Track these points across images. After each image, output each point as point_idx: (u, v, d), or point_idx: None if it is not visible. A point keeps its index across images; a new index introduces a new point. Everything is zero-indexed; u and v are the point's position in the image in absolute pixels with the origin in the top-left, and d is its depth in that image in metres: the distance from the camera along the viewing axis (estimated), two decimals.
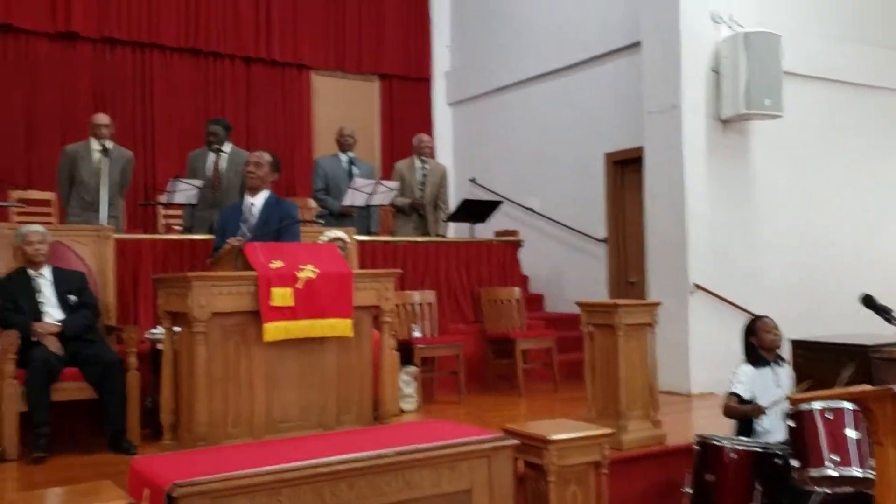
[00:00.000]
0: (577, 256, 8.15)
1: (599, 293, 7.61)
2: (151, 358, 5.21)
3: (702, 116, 6.58)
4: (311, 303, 3.91)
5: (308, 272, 3.91)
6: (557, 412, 5.77)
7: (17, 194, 6.81)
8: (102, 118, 6.17)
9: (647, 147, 6.78)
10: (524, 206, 8.60)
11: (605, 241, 7.85)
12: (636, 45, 7.27)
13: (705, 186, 6.54)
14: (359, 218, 6.94)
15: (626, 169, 7.73)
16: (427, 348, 6.16)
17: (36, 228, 5.02)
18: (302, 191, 8.55)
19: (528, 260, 7.54)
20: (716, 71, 6.60)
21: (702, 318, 6.44)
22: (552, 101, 8.47)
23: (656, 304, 4.86)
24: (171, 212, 7.34)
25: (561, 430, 3.76)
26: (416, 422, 5.14)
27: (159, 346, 5.09)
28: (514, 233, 7.47)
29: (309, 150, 8.95)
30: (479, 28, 9.54)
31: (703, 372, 6.32)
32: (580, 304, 4.97)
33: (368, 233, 7.01)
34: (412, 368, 5.84)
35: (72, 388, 4.65)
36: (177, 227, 7.09)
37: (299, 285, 3.88)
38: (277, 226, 4.66)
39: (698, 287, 6.43)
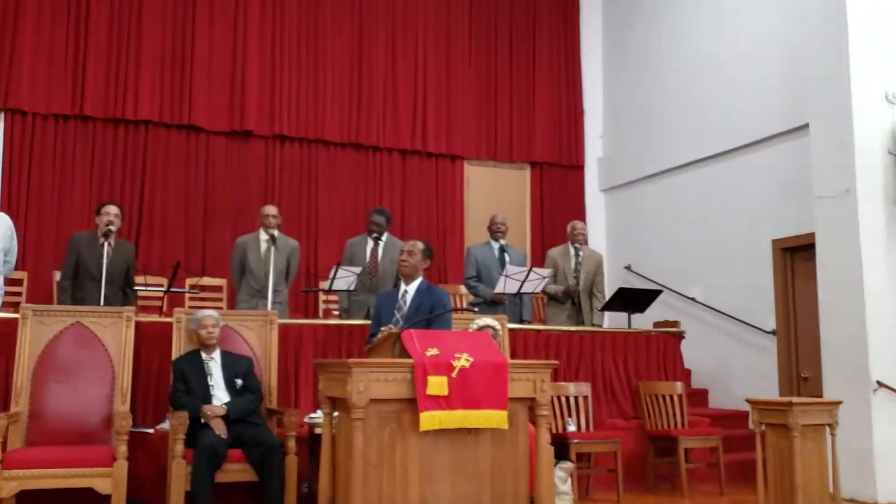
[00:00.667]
0: (744, 349, 7.71)
1: (769, 389, 7.12)
2: (310, 442, 5.31)
3: (879, 202, 6.14)
4: (465, 392, 3.85)
5: (463, 361, 3.87)
6: None
7: (191, 281, 7.28)
8: (270, 209, 6.53)
9: (819, 234, 6.38)
10: (685, 296, 8.28)
11: (773, 332, 7.38)
12: (803, 127, 6.96)
13: (885, 276, 6.04)
14: (510, 305, 6.90)
15: (795, 256, 7.30)
16: (583, 443, 5.92)
17: (210, 313, 5.30)
18: (454, 278, 8.64)
19: (690, 352, 7.19)
20: (893, 153, 6.18)
21: (887, 419, 5.86)
22: (713, 185, 8.22)
23: (837, 403, 4.47)
24: (330, 297, 7.59)
25: None
26: None
27: (318, 431, 5.19)
28: (675, 323, 7.17)
29: (461, 238, 9.09)
30: (633, 114, 9.50)
31: (891, 479, 5.71)
32: (750, 402, 4.65)
33: (520, 321, 6.94)
34: (568, 464, 5.62)
35: (234, 471, 4.78)
36: (335, 312, 7.32)
37: (454, 374, 3.84)
38: (429, 314, 4.67)
39: (881, 385, 5.87)
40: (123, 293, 5.85)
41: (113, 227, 5.75)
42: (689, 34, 8.79)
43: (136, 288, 5.93)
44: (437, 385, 3.79)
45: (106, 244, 5.65)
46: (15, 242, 5.95)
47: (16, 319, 5.15)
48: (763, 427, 4.56)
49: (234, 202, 8.40)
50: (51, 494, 4.69)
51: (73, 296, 5.72)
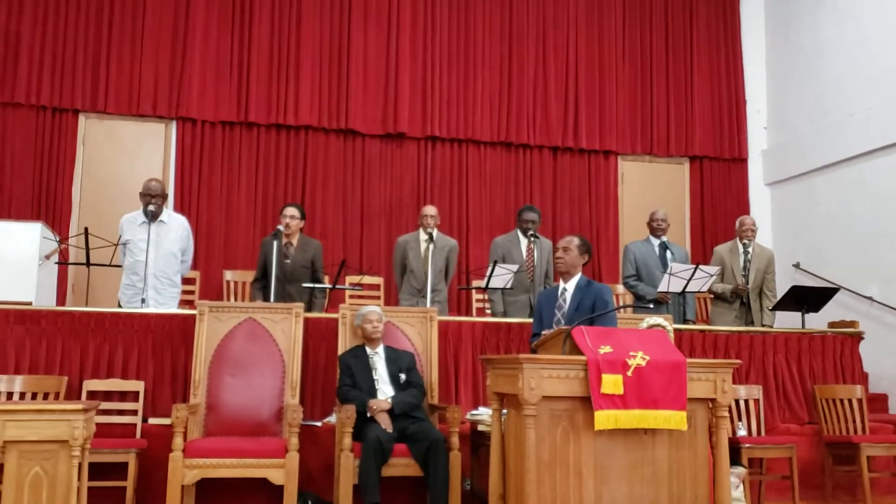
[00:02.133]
0: None
1: None
2: (471, 439, 5.29)
3: None
4: (642, 392, 3.70)
5: (638, 359, 3.72)
6: None
7: (351, 279, 7.44)
8: (430, 210, 6.58)
9: None
10: (862, 295, 7.70)
11: None
12: None
13: None
14: (674, 305, 6.63)
15: None
16: (755, 448, 5.60)
17: (374, 309, 5.39)
18: (609, 277, 8.43)
19: (868, 355, 6.66)
20: None
21: None
22: (891, 176, 7.60)
23: None
24: (482, 296, 7.57)
25: None
26: None
27: (480, 428, 5.16)
28: (852, 324, 6.66)
29: (615, 236, 8.85)
30: (799, 103, 8.94)
31: None
32: None
33: (684, 321, 6.65)
34: (740, 469, 5.33)
35: (400, 465, 4.82)
36: (488, 311, 7.28)
37: (629, 373, 3.70)
38: (591, 313, 4.51)
39: None
40: (311, 291, 6.06)
41: (282, 228, 5.97)
42: (856, 15, 8.19)
43: (305, 285, 6.11)
44: (613, 383, 3.66)
45: (285, 244, 5.88)
46: (191, 243, 6.30)
47: (193, 316, 5.42)
48: None
49: (389, 203, 8.55)
50: (226, 483, 4.90)
51: (263, 295, 5.99)
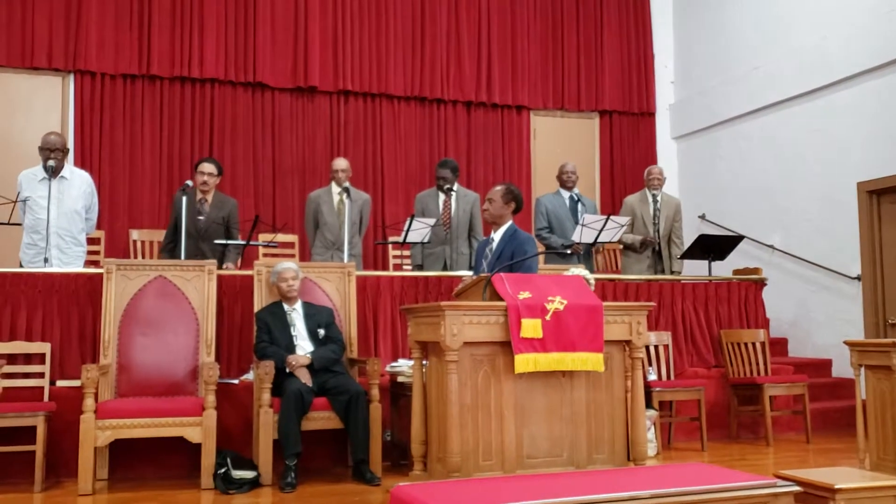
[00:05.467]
0: (826, 296, 7.47)
1: (853, 336, 6.87)
2: (391, 391, 5.32)
3: None
4: (560, 335, 3.78)
5: (557, 304, 3.79)
6: (813, 463, 5.25)
7: (265, 237, 7.29)
8: (342, 163, 6.49)
9: None
10: (764, 244, 8.05)
11: (858, 278, 7.12)
12: (889, 63, 6.65)
13: None
14: (584, 256, 6.77)
15: (882, 199, 7.01)
16: (665, 391, 5.83)
17: (290, 266, 5.31)
18: (522, 229, 8.51)
19: (770, 301, 6.99)
20: None
21: None
22: (793, 128, 7.92)
23: None
24: (399, 252, 7.56)
25: (847, 479, 3.33)
26: (676, 464, 4.82)
27: (399, 380, 5.19)
28: (756, 271, 6.96)
29: (528, 190, 8.94)
30: (706, 58, 9.18)
31: None
32: (849, 343, 4.48)
33: (592, 271, 6.82)
34: (651, 412, 5.54)
35: (320, 418, 4.82)
36: (406, 266, 7.28)
37: (548, 317, 3.77)
38: (510, 261, 4.55)
39: None
40: (223, 249, 5.89)
41: (190, 183, 5.77)
42: None
43: (218, 242, 5.95)
44: (532, 328, 3.72)
45: (199, 200, 5.69)
46: (96, 199, 6.03)
47: (100, 275, 5.23)
48: (863, 370, 4.39)
49: (301, 158, 8.39)
50: (141, 444, 4.79)
51: (173, 254, 5.79)
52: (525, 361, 3.72)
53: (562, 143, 9.23)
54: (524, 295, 3.80)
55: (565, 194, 7.09)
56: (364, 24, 8.62)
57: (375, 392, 4.91)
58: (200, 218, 5.87)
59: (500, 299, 3.83)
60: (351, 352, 5.38)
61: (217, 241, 5.95)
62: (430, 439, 3.96)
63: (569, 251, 6.43)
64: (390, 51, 8.68)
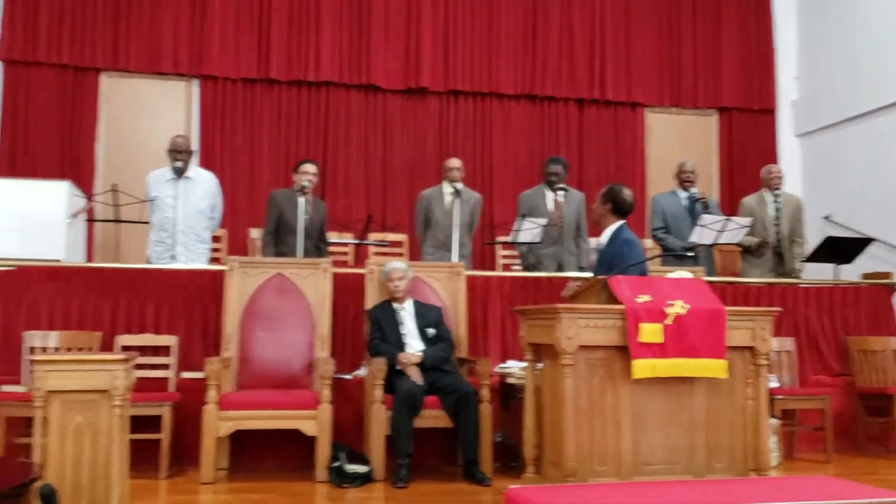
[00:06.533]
0: None
1: None
2: (501, 392, 5.29)
3: None
4: (681, 340, 3.66)
5: (678, 308, 3.67)
6: None
7: (375, 236, 7.41)
8: (454, 162, 6.50)
9: None
10: (894, 245, 7.58)
11: None
12: None
13: None
14: (704, 257, 6.56)
15: None
16: (788, 400, 5.58)
17: (398, 265, 5.37)
18: (635, 230, 8.30)
19: None
20: None
21: None
22: None
23: None
24: (507, 252, 7.53)
25: None
26: (802, 476, 4.60)
27: (509, 381, 5.16)
28: (886, 275, 6.56)
29: (642, 189, 8.74)
30: (832, 51, 8.72)
31: None
32: None
33: (711, 274, 6.58)
34: (773, 421, 5.30)
35: (430, 417, 4.84)
36: (515, 266, 7.23)
37: (668, 321, 3.66)
38: (610, 265, 4.40)
39: None
40: (317, 247, 6.02)
41: (308, 184, 5.90)
42: None
43: (330, 241, 6.08)
44: (651, 332, 3.62)
45: (304, 200, 5.81)
46: (220, 199, 6.27)
47: (223, 272, 5.42)
48: None
49: (411, 159, 8.48)
50: (259, 435, 4.94)
51: (276, 249, 5.94)
52: (643, 367, 3.63)
53: (678, 141, 8.97)
54: (643, 298, 3.71)
55: (682, 194, 6.88)
56: (475, 23, 8.63)
57: (486, 392, 4.89)
58: (305, 217, 5.98)
59: (617, 302, 3.75)
60: (460, 351, 5.39)
61: (333, 241, 6.07)
62: (544, 442, 3.92)
63: (690, 253, 6.22)
64: (501, 49, 8.66)
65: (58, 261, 5.96)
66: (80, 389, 3.04)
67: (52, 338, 5.08)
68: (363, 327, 5.37)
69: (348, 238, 7.05)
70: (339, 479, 4.62)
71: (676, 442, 3.72)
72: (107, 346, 5.24)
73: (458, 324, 5.49)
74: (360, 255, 7.13)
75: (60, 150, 7.86)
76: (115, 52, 7.97)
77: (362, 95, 8.46)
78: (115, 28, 7.97)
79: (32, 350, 4.98)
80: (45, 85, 7.86)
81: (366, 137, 8.43)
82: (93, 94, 8.02)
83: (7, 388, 4.80)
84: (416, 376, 4.89)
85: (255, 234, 7.50)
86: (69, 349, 5.06)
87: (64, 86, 7.92)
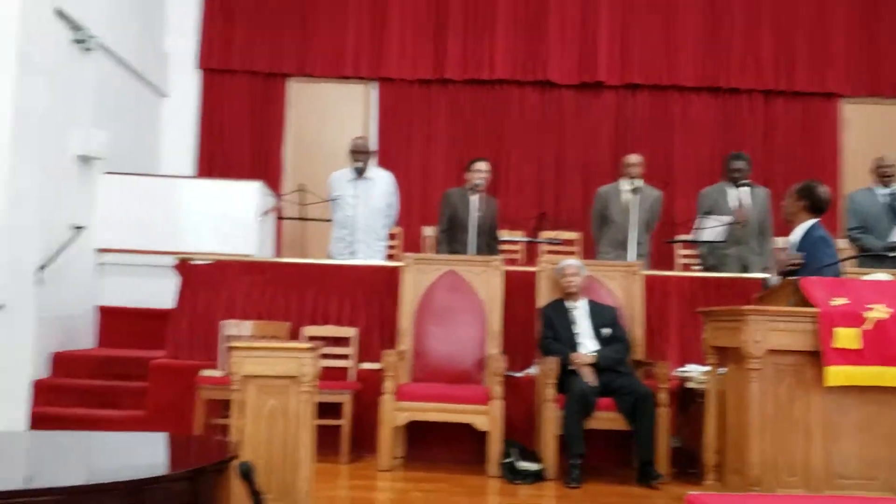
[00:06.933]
0: None
1: None
2: (679, 396, 5.10)
3: None
4: (882, 347, 3.37)
5: (879, 312, 3.39)
6: None
7: (547, 234, 7.37)
8: (634, 158, 6.34)
9: None
10: None
11: None
12: None
13: None
14: None
15: None
16: None
17: (572, 262, 5.32)
18: (828, 228, 7.77)
19: None
20: None
21: None
22: None
23: None
24: (688, 251, 7.25)
25: None
26: None
27: (689, 385, 4.97)
28: None
29: (835, 185, 8.14)
30: None
31: None
32: None
33: None
34: None
35: (604, 418, 4.75)
36: (695, 266, 6.95)
37: (868, 326, 3.38)
38: (808, 264, 4.11)
39: None
40: (489, 245, 6.06)
41: (480, 183, 5.97)
42: None
43: (502, 239, 6.11)
44: (847, 337, 3.37)
45: (476, 198, 5.88)
46: (397, 198, 6.48)
47: (398, 268, 5.59)
48: None
49: (585, 155, 8.36)
50: (434, 428, 5.04)
51: (449, 247, 6.05)
52: (837, 374, 3.38)
53: (878, 133, 8.27)
54: (838, 301, 3.45)
55: (880, 191, 6.33)
56: (653, 13, 8.38)
57: (663, 396, 4.73)
58: (478, 215, 6.03)
59: (808, 305, 3.51)
60: (636, 353, 5.25)
61: (504, 239, 6.10)
62: (726, 449, 3.74)
63: (892, 254, 5.74)
64: (680, 39, 8.36)
65: (250, 256, 6.41)
66: (272, 375, 3.24)
67: (246, 327, 5.44)
68: (534, 326, 5.35)
69: (519, 236, 7.05)
70: (511, 475, 4.63)
71: (875, 455, 3.43)
72: (294, 336, 5.55)
73: (635, 325, 5.36)
74: (532, 254, 7.12)
75: (252, 152, 8.41)
76: (301, 59, 8.42)
77: (536, 92, 8.45)
78: (303, 36, 8.42)
79: (228, 338, 5.35)
80: (238, 91, 8.45)
81: (539, 134, 8.41)
82: (281, 99, 8.52)
83: (207, 373, 5.19)
84: (589, 377, 4.81)
85: (429, 231, 7.67)
86: (260, 337, 5.40)
87: (255, 92, 8.47)
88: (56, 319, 5.99)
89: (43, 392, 5.52)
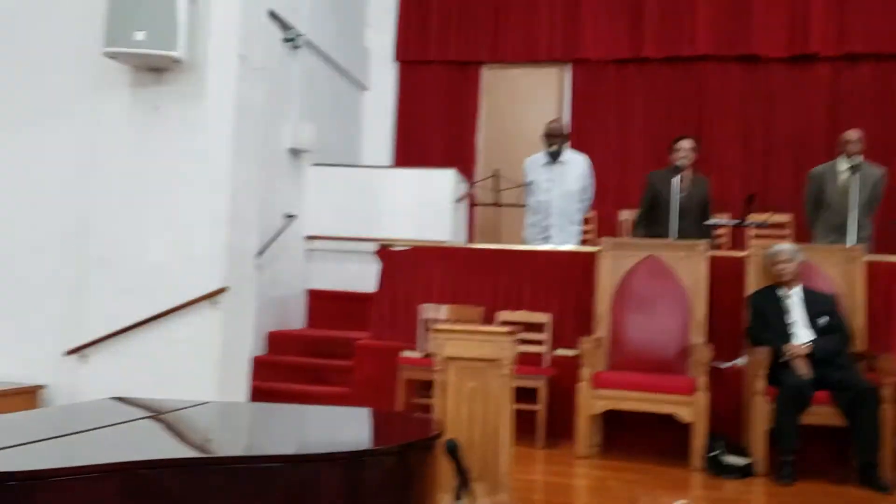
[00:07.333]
0: None
1: None
2: None
3: None
4: None
5: None
6: None
7: (753, 217, 6.95)
8: (852, 134, 5.84)
9: None
10: None
11: None
12: None
13: None
14: None
15: None
16: None
17: (784, 248, 4.98)
18: None
19: None
20: None
21: None
22: None
23: None
24: None
25: None
26: None
27: None
28: None
29: None
30: None
31: None
32: None
33: None
34: None
35: (820, 413, 4.44)
36: None
37: None
38: None
39: None
40: (698, 227, 5.80)
41: (683, 162, 5.73)
42: None
43: (707, 223, 5.82)
44: None
45: (678, 179, 5.65)
46: (592, 181, 6.37)
47: (594, 253, 5.49)
48: None
49: (796, 132, 7.78)
50: (631, 417, 4.92)
51: (649, 231, 5.87)
52: None
53: None
54: None
55: None
56: None
57: (888, 391, 4.33)
58: (681, 196, 5.79)
59: None
60: (857, 345, 4.84)
61: (707, 223, 5.82)
62: None
63: None
64: None
65: (445, 242, 6.55)
66: (472, 357, 3.28)
67: (443, 310, 5.56)
68: (742, 314, 5.07)
69: (725, 219, 6.70)
70: (717, 469, 4.43)
71: None
72: (488, 320, 5.61)
73: (855, 314, 4.95)
74: (739, 238, 6.75)
75: (446, 140, 8.58)
76: (494, 46, 8.47)
77: (741, 67, 7.97)
78: (495, 23, 8.47)
79: (426, 321, 5.51)
80: (433, 81, 8.64)
81: (744, 112, 7.93)
82: (475, 87, 8.62)
83: (407, 354, 5.36)
84: (803, 369, 4.50)
85: (626, 215, 7.48)
86: (456, 321, 5.50)
87: (450, 80, 8.63)
88: (271, 301, 6.44)
89: (260, 368, 5.96)
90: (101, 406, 2.59)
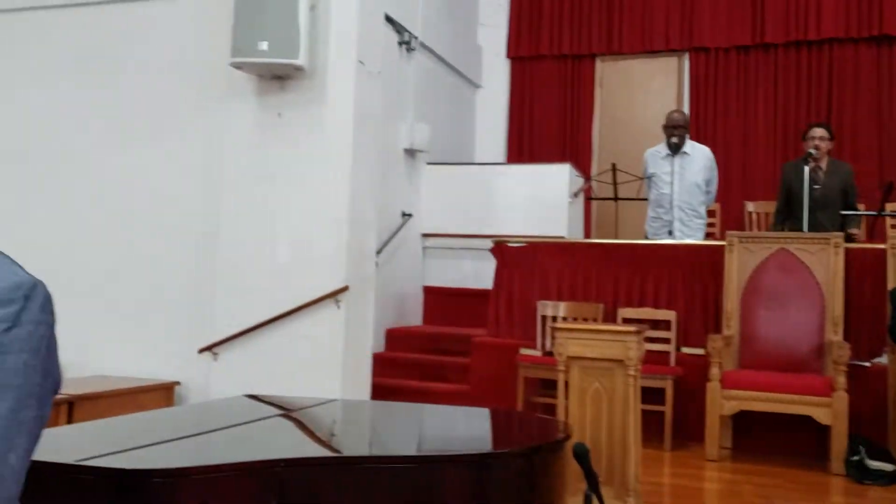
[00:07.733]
0: None
1: None
2: None
3: None
4: None
5: None
6: None
7: (891, 207, 6.51)
8: None
9: None
10: None
11: None
12: None
13: None
14: None
15: None
16: None
17: None
18: None
19: None
20: None
21: None
22: None
23: None
24: None
25: None
26: None
27: None
28: None
29: None
30: None
31: None
32: None
33: None
34: None
35: None
36: None
37: None
38: None
39: None
40: (841, 217, 5.48)
41: (814, 151, 5.43)
42: None
43: (847, 213, 5.49)
44: None
45: (813, 168, 5.37)
46: (715, 173, 6.14)
47: (720, 247, 5.27)
48: None
49: None
50: (764, 418, 4.70)
51: (784, 224, 5.61)
52: None
53: None
54: None
55: None
56: None
57: None
58: (816, 187, 5.48)
59: None
60: None
61: (844, 213, 5.49)
62: None
63: None
64: None
65: (561, 237, 6.46)
66: (597, 357, 3.20)
67: (561, 307, 5.49)
68: (884, 310, 4.76)
69: (862, 209, 6.30)
70: (859, 474, 4.18)
71: None
72: (608, 318, 5.48)
73: None
74: (877, 229, 6.34)
75: (560, 135, 8.45)
76: (609, 37, 8.28)
77: (874, 48, 7.49)
78: (609, 14, 8.27)
79: (545, 318, 5.44)
80: (546, 76, 8.53)
81: (879, 95, 7.44)
82: (589, 80, 8.45)
83: (526, 352, 5.32)
84: None
85: (751, 207, 7.17)
86: (575, 318, 5.41)
87: (564, 75, 8.49)
88: (390, 299, 6.53)
89: (380, 364, 6.05)
90: (235, 403, 2.68)
